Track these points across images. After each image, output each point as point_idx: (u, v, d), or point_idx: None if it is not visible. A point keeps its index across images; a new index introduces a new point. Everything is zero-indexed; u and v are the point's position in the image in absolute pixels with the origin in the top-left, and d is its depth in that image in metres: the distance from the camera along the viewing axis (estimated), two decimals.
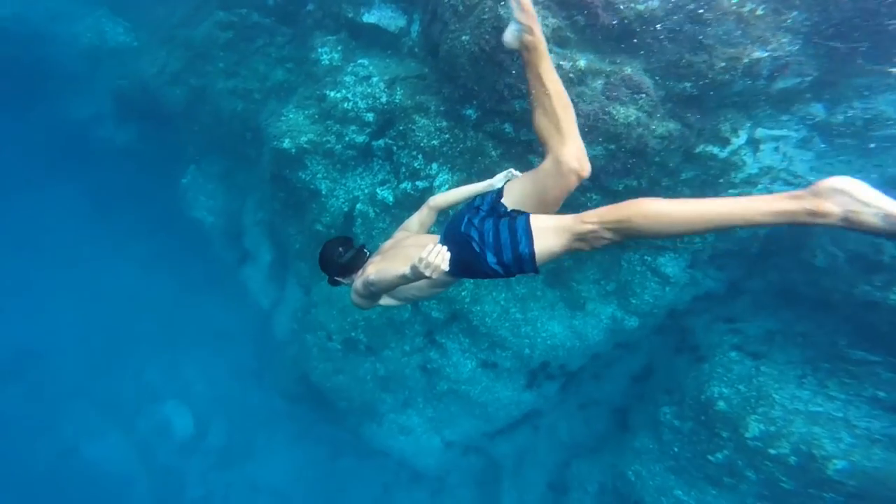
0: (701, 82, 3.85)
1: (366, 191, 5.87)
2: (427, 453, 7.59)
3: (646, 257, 5.52)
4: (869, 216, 1.32)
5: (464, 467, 8.04)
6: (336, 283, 2.48)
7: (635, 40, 3.77)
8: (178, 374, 10.67)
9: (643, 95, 3.91)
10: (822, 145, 4.22)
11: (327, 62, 5.99)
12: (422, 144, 5.17)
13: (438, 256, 1.66)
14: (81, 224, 11.14)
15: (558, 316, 6.03)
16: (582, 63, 3.91)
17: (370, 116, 5.57)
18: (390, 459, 8.08)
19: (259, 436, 10.10)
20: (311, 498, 9.52)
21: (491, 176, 2.48)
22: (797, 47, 3.62)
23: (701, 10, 3.52)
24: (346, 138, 5.71)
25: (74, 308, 10.89)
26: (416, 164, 5.30)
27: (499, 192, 2.12)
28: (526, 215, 1.92)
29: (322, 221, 6.08)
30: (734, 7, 3.47)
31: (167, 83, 8.06)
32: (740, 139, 4.17)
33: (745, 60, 3.65)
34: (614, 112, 3.96)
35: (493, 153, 4.85)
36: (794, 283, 5.14)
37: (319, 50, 6.04)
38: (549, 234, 1.83)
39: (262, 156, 6.58)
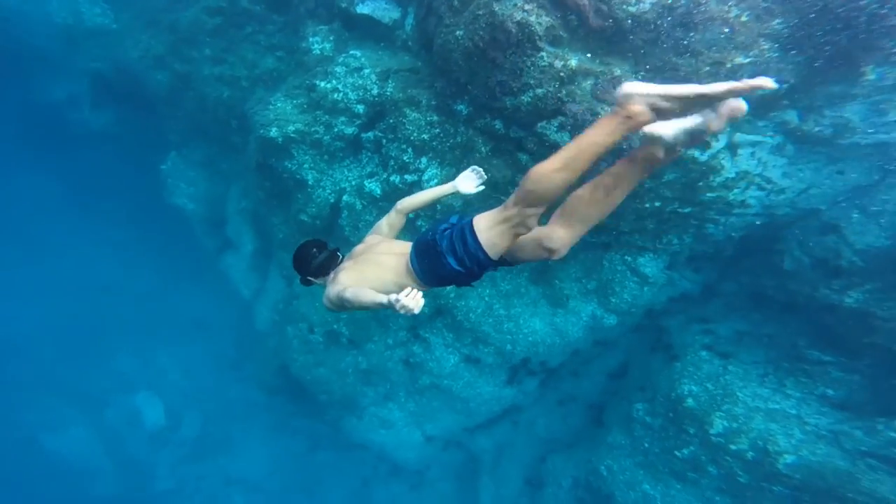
0: None
1: (353, 182, 5.85)
2: (407, 447, 7.63)
3: (626, 257, 5.67)
4: (662, 103, 1.62)
5: (444, 461, 8.10)
6: (309, 283, 2.58)
7: (630, 39, 3.87)
8: (152, 364, 10.43)
9: None
10: (794, 152, 4.42)
11: (319, 52, 5.95)
12: (412, 138, 5.19)
13: (413, 300, 1.77)
14: (55, 208, 10.76)
15: (540, 313, 6.15)
16: (573, 62, 4.00)
17: (360, 108, 5.57)
18: (370, 453, 8.09)
19: (235, 428, 9.95)
20: (288, 491, 9.44)
21: None
22: (777, 54, 3.79)
23: (691, 14, 3.65)
24: (335, 129, 5.69)
25: (45, 296, 10.52)
26: (405, 158, 5.32)
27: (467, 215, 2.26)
28: (470, 218, 2.12)
29: (308, 212, 6.05)
30: (722, 13, 3.61)
31: (150, 67, 7.85)
32: (720, 143, 4.33)
33: (728, 65, 3.80)
34: (602, 113, 4.07)
35: (483, 149, 4.91)
36: (765, 287, 5.38)
37: (311, 39, 6.00)
38: (490, 228, 2.04)
39: (248, 144, 6.49)
